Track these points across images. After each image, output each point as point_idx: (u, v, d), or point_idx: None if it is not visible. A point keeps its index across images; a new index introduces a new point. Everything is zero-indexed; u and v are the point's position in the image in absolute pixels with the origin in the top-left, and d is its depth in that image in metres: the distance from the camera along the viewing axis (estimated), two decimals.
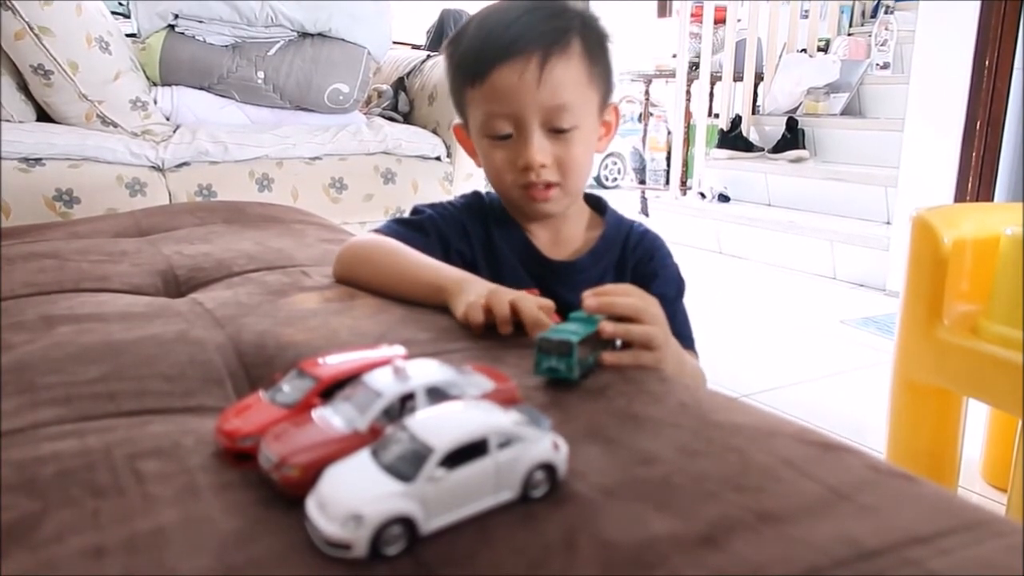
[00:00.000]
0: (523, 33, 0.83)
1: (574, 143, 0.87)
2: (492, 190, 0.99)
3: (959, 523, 0.39)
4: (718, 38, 3.97)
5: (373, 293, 0.82)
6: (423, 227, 0.92)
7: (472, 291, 0.73)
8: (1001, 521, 0.40)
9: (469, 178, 2.20)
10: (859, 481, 0.43)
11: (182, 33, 1.97)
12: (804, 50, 3.95)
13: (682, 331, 0.94)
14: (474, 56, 0.86)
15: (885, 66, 3.70)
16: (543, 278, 0.91)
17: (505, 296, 0.69)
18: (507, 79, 0.83)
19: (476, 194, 0.99)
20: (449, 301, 0.75)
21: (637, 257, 0.96)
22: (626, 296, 0.67)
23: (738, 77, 3.95)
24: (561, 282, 0.91)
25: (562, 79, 0.84)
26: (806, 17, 4.02)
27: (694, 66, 4.02)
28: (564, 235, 0.96)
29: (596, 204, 1.00)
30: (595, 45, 0.88)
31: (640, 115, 5.01)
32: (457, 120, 0.96)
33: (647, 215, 4.18)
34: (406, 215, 0.97)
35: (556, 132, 0.85)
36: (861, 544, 0.37)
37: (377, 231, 0.91)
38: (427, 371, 0.47)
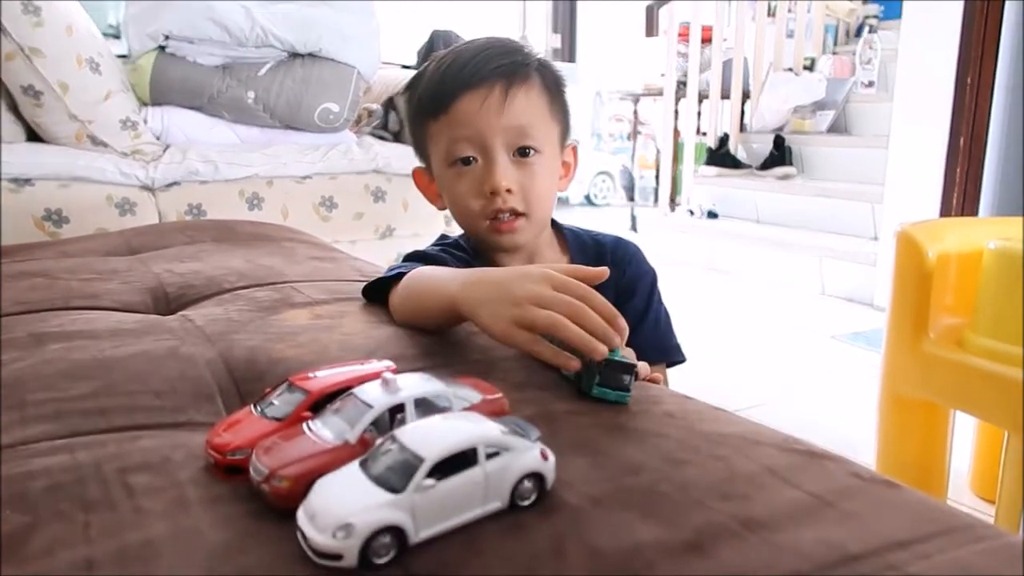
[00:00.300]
0: (484, 66, 0.85)
1: (537, 169, 0.88)
2: (455, 235, 0.99)
3: (939, 528, 0.40)
4: (705, 57, 4.01)
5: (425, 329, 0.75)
6: (443, 262, 0.89)
7: (485, 304, 0.64)
8: (980, 525, 0.41)
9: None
10: (842, 488, 0.44)
11: (172, 54, 1.97)
12: (790, 69, 4.00)
13: (663, 343, 0.95)
14: (435, 90, 0.86)
15: (870, 84, 3.74)
16: None
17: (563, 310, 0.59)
18: (470, 106, 0.84)
19: (445, 236, 1.00)
20: (471, 316, 0.66)
21: (623, 277, 0.96)
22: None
23: (725, 95, 3.98)
24: None
25: (524, 105, 0.86)
26: (791, 36, 4.07)
27: (682, 85, 4.06)
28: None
29: (555, 227, 1.00)
30: (552, 84, 0.90)
31: (629, 134, 5.06)
32: (417, 164, 0.97)
33: (636, 231, 4.20)
34: (399, 263, 0.90)
35: (520, 156, 0.86)
36: (844, 549, 0.38)
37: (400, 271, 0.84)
38: (416, 383, 0.47)
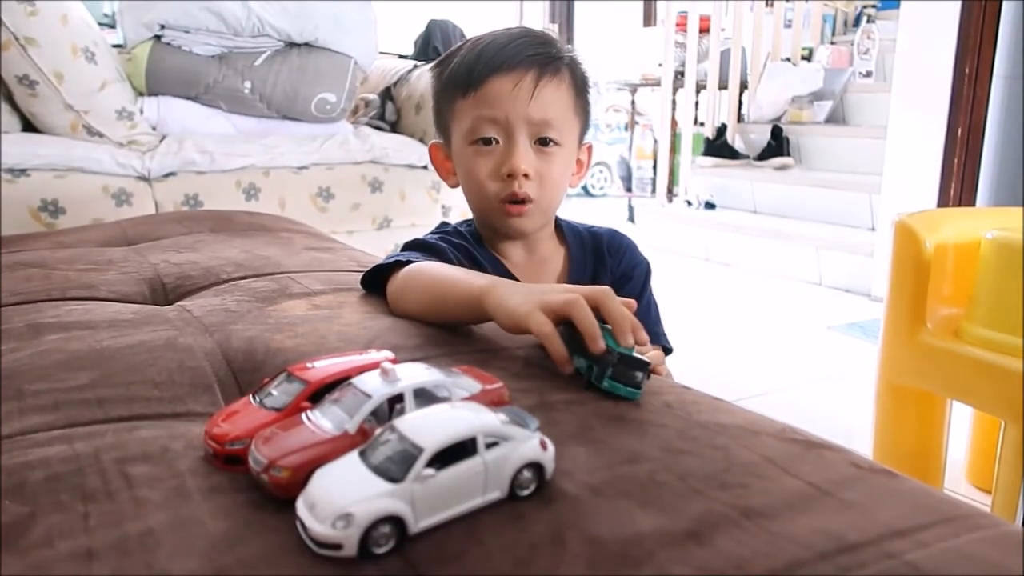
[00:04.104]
0: (519, 52, 0.86)
1: (556, 160, 0.89)
2: (458, 223, 0.99)
3: (937, 517, 0.40)
4: (703, 47, 4.00)
5: (427, 322, 0.75)
6: (442, 251, 0.89)
7: (518, 293, 0.65)
8: (978, 515, 0.41)
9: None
10: (841, 477, 0.44)
11: (168, 43, 1.97)
12: (788, 59, 3.99)
13: (653, 329, 0.97)
14: (468, 68, 0.87)
15: (868, 74, 3.74)
16: None
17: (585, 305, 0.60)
18: (502, 88, 0.86)
19: (446, 224, 1.01)
20: (493, 310, 0.65)
21: (619, 265, 0.99)
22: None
23: (723, 86, 3.98)
24: None
25: (553, 98, 0.87)
26: (789, 26, 4.06)
27: (679, 75, 4.05)
28: (538, 258, 0.97)
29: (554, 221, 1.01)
30: (580, 82, 0.92)
31: (626, 124, 5.05)
32: (435, 139, 0.97)
33: (634, 222, 4.20)
34: (400, 252, 0.88)
35: (541, 145, 0.88)
36: (842, 538, 0.38)
37: (398, 259, 0.83)
38: (415, 373, 0.47)
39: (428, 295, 0.75)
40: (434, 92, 0.94)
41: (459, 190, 0.97)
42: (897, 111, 2.76)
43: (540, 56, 0.87)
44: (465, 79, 0.87)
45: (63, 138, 1.84)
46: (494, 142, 0.87)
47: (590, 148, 0.98)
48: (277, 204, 2.01)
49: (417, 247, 0.90)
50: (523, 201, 0.88)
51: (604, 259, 0.98)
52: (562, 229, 1.00)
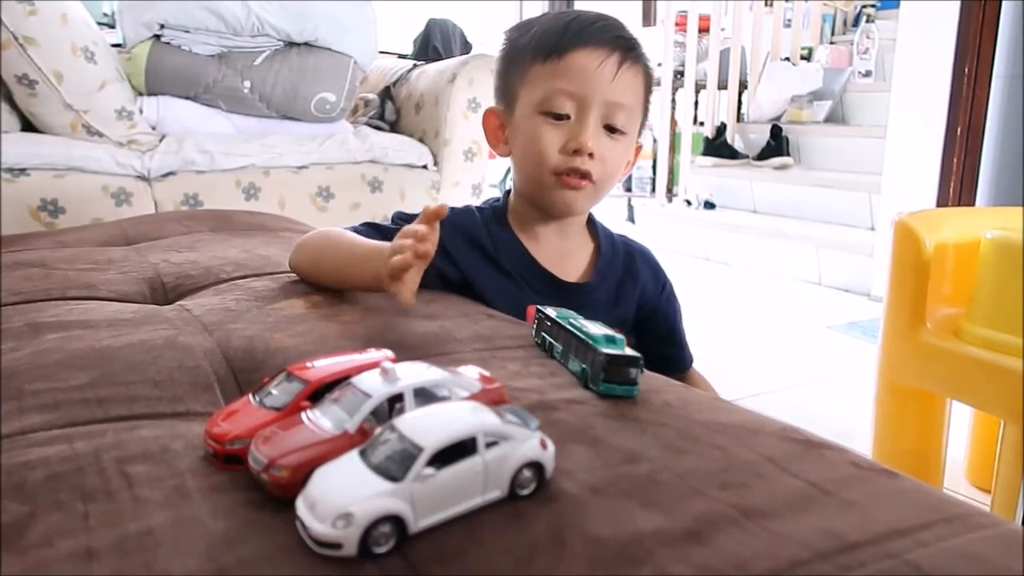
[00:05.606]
0: (607, 31, 0.87)
1: (619, 147, 0.90)
2: (483, 201, 1.00)
3: (938, 516, 0.40)
4: (702, 47, 4.00)
5: (320, 285, 0.86)
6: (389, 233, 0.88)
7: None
8: (979, 514, 0.41)
9: (456, 186, 2.20)
10: (841, 477, 0.44)
11: (168, 43, 1.96)
12: (787, 58, 3.99)
13: (687, 353, 1.02)
14: (555, 36, 0.87)
15: (867, 74, 3.74)
16: (550, 297, 0.89)
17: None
18: (587, 62, 0.86)
19: (469, 206, 1.00)
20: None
21: (661, 291, 1.01)
22: None
23: (722, 85, 3.98)
24: (571, 303, 0.90)
25: (631, 84, 0.88)
26: (789, 26, 4.06)
27: (679, 74, 4.05)
28: (567, 247, 0.96)
29: (588, 219, 1.01)
30: (648, 79, 0.93)
31: None
32: (492, 106, 0.97)
33: (633, 222, 4.20)
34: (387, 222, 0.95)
35: (609, 130, 0.88)
36: (843, 537, 0.38)
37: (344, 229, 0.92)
38: (415, 373, 0.47)
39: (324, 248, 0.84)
40: (504, 56, 0.94)
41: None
42: (897, 111, 2.76)
43: (626, 40, 0.88)
44: (550, 45, 0.87)
45: (63, 138, 1.84)
46: (566, 117, 0.87)
47: (639, 148, 0.98)
48: (277, 204, 2.01)
49: (375, 227, 0.93)
50: (583, 176, 0.88)
51: (636, 275, 0.98)
52: (594, 226, 1.00)
